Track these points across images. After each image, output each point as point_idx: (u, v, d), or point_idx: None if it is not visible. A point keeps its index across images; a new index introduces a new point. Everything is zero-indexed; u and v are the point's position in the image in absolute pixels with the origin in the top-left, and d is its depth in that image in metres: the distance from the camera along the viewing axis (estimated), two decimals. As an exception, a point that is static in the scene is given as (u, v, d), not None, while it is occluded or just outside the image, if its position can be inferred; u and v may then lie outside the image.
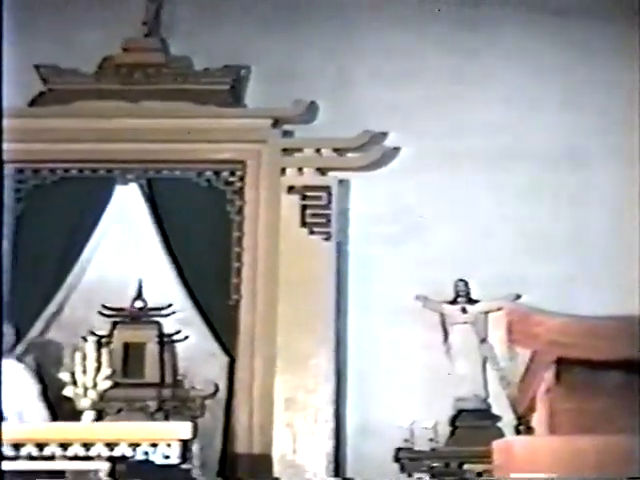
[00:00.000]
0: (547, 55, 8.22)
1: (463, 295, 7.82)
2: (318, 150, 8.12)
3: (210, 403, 7.78)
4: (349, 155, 8.17)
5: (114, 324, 7.86)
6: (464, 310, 7.81)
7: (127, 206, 8.11)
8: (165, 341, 7.83)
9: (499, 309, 7.69)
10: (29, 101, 8.29)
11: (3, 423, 6.15)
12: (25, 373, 6.90)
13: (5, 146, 8.16)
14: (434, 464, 7.44)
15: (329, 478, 7.34)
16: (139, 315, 7.90)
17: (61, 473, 5.42)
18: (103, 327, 7.85)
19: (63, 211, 8.11)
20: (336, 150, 8.14)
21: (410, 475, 7.49)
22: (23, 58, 8.12)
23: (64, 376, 5.82)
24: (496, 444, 5.28)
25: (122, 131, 8.06)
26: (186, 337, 7.88)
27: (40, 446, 5.37)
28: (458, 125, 8.13)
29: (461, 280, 7.83)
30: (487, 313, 7.80)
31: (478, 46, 8.27)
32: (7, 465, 5.32)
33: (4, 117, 8.24)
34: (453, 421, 7.63)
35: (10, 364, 6.96)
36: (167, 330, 7.89)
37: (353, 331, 7.87)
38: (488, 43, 8.29)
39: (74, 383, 5.74)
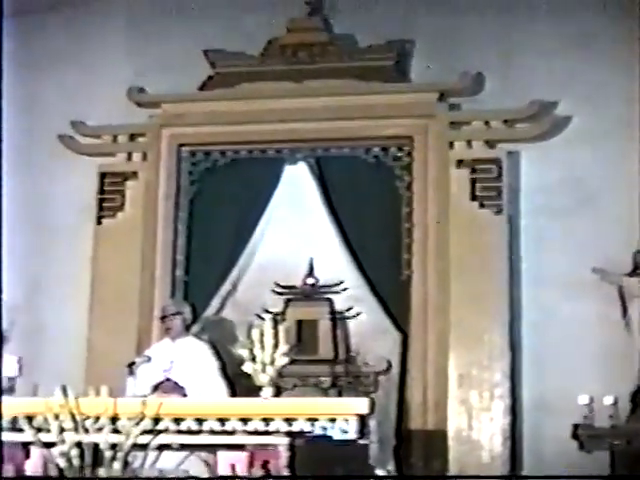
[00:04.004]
0: None
1: (643, 267, 7.57)
2: (486, 122, 7.98)
3: (383, 379, 7.77)
4: (518, 126, 8.01)
5: (287, 302, 7.96)
6: (644, 283, 7.55)
7: (297, 185, 8.19)
8: (337, 318, 7.89)
9: (682, 280, 7.44)
10: (199, 86, 8.45)
11: (187, 398, 6.36)
12: (206, 350, 7.06)
13: (176, 130, 8.44)
14: (615, 442, 7.22)
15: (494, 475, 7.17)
16: (311, 292, 7.97)
17: (241, 447, 5.50)
18: (275, 305, 7.95)
19: (234, 192, 8.27)
20: (505, 121, 7.98)
21: (589, 452, 7.30)
22: (193, 44, 8.33)
23: (243, 352, 5.88)
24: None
25: (290, 111, 8.14)
26: (358, 314, 7.92)
27: (222, 421, 5.46)
28: (631, 91, 7.83)
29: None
30: (669, 285, 7.53)
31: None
32: (190, 438, 5.47)
33: (175, 103, 8.50)
34: (634, 397, 7.39)
35: (191, 341, 7.15)
36: (339, 307, 7.94)
37: (527, 305, 7.73)
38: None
39: (253, 359, 5.80)
